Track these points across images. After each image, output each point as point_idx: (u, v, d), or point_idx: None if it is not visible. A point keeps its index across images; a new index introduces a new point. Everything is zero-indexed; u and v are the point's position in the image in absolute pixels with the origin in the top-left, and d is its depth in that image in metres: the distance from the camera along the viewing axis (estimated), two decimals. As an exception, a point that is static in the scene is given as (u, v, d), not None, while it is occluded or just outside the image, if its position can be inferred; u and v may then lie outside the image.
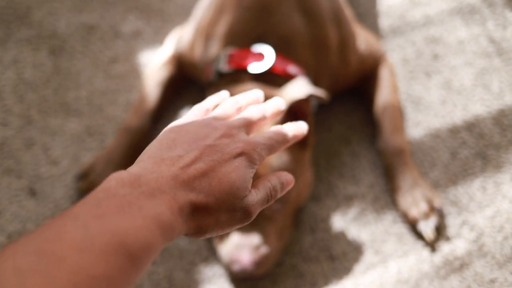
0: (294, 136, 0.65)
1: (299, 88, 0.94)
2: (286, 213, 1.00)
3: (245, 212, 0.55)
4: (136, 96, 1.22)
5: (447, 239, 1.06)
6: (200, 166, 0.53)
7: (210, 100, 0.64)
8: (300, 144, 0.96)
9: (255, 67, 1.00)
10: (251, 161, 0.56)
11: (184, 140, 0.55)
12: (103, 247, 0.42)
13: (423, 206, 1.05)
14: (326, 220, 1.09)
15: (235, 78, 1.02)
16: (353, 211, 1.09)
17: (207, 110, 0.62)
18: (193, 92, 1.24)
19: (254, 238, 0.96)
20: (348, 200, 1.10)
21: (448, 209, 1.09)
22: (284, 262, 1.05)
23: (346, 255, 1.05)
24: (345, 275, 1.03)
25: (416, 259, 1.04)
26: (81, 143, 1.18)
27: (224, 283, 1.03)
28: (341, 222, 1.08)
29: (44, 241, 0.41)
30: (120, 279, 0.43)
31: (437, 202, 1.06)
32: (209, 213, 0.53)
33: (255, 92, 0.67)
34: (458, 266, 1.03)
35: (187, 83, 1.25)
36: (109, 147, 1.14)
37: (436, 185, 1.11)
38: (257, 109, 0.63)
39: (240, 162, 0.55)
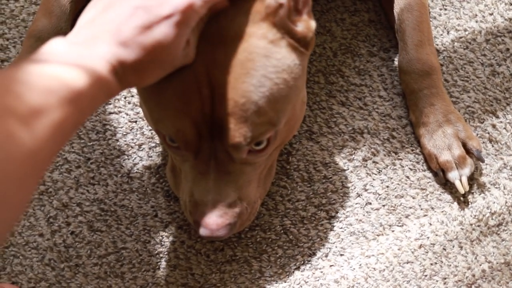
0: None
1: None
2: (270, 154, 0.71)
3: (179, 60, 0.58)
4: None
5: (482, 189, 0.82)
6: (130, 32, 0.54)
7: None
8: (300, 44, 0.64)
9: None
10: (184, 22, 0.56)
11: (116, 2, 0.56)
12: (45, 85, 0.47)
13: (458, 149, 0.79)
14: (326, 165, 0.82)
15: None
16: (361, 154, 0.83)
17: None
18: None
19: (226, 191, 0.67)
20: (354, 138, 0.83)
21: (484, 148, 0.84)
22: (272, 225, 0.80)
23: (353, 213, 0.81)
24: (351, 239, 0.80)
25: (441, 218, 0.81)
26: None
27: (192, 255, 0.79)
28: (345, 168, 0.82)
29: None
30: (59, 117, 0.47)
31: (475, 144, 0.80)
32: (142, 71, 0.56)
33: None
34: (494, 225, 0.81)
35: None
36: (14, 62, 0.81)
37: (470, 113, 0.85)
38: None
39: (170, 23, 0.55)
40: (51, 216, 0.80)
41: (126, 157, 0.82)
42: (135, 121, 0.84)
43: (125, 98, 0.85)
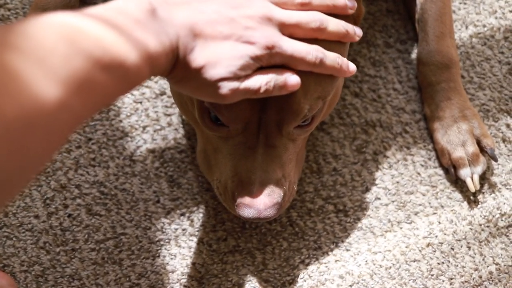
0: (333, 68, 0.60)
1: None
2: (304, 137, 0.69)
3: (216, 92, 0.54)
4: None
5: (493, 189, 0.80)
6: (208, 30, 0.52)
7: None
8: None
9: None
10: (256, 58, 0.54)
11: None
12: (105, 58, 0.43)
13: (472, 146, 0.77)
14: (336, 157, 0.80)
15: None
16: (372, 147, 0.81)
17: None
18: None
19: (273, 167, 0.64)
20: (366, 131, 0.81)
21: (497, 148, 0.82)
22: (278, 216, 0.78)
23: (361, 208, 0.79)
24: (358, 235, 0.78)
25: (451, 217, 0.79)
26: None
27: (194, 244, 0.76)
28: (355, 161, 0.80)
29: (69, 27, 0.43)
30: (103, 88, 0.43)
31: (489, 142, 0.78)
32: (186, 75, 0.53)
33: None
34: (503, 226, 0.79)
35: None
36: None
37: (485, 112, 0.83)
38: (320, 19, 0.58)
39: (243, 51, 0.53)
40: (48, 197, 0.76)
41: (129, 139, 0.79)
42: (140, 102, 0.80)
43: (130, 77, 0.81)
